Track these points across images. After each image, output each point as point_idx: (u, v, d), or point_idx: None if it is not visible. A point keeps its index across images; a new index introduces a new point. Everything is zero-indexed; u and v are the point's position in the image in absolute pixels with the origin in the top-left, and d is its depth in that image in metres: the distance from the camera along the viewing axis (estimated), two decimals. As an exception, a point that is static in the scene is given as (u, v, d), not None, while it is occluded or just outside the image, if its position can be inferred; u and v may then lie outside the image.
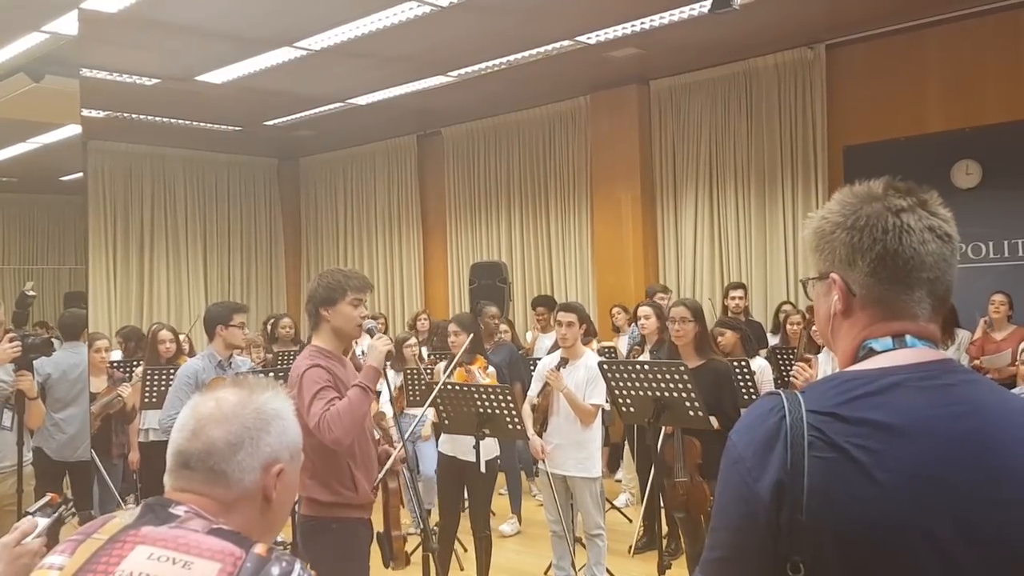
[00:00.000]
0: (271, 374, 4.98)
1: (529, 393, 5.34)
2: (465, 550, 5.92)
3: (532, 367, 6.24)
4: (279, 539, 3.15)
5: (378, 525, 3.61)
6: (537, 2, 6.83)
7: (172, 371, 5.41)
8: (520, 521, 6.89)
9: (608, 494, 6.40)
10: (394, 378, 6.62)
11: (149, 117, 10.14)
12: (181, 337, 6.94)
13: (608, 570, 5.14)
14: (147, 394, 5.83)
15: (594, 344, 6.56)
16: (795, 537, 1.14)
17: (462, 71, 8.65)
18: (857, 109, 8.21)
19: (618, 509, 7.13)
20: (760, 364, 5.97)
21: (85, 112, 8.90)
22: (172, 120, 10.37)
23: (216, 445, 1.43)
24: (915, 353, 1.23)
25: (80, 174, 7.53)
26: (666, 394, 4.20)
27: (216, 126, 10.83)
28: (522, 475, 7.35)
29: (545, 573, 5.63)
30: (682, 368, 4.20)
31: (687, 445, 4.47)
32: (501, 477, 6.20)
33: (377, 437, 3.88)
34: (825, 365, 5.25)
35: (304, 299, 3.84)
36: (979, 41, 7.50)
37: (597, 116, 9.74)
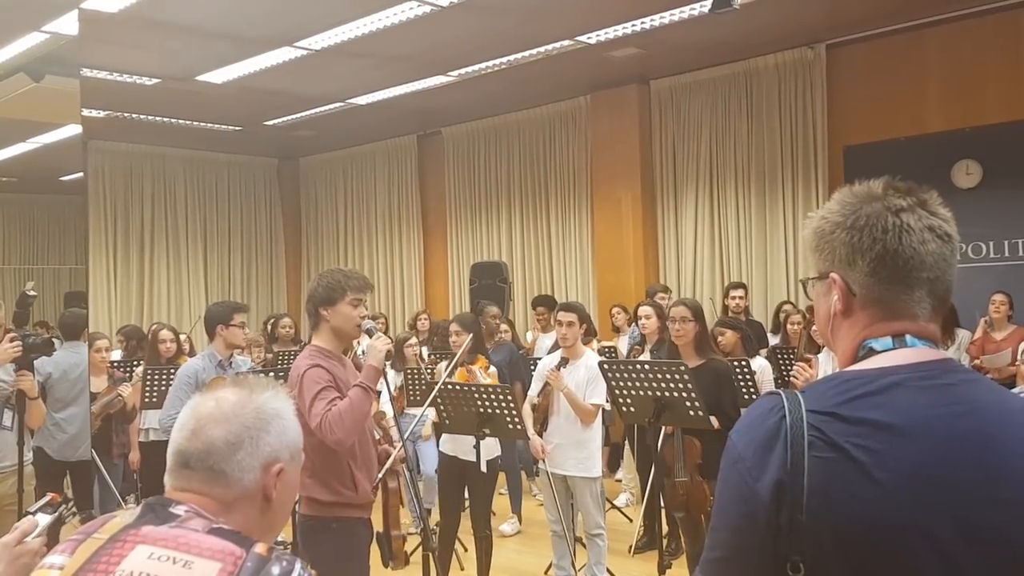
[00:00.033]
0: (271, 374, 4.98)
1: (529, 393, 5.34)
2: (465, 550, 5.92)
3: (532, 367, 6.24)
4: (279, 539, 3.15)
5: (378, 525, 3.61)
6: (537, 2, 6.82)
7: (172, 371, 5.42)
8: (520, 521, 6.88)
9: (608, 494, 6.40)
10: (394, 378, 6.62)
11: (149, 117, 10.13)
12: (181, 337, 6.94)
13: (608, 570, 5.13)
14: (147, 394, 5.83)
15: (594, 344, 6.56)
16: (795, 537, 1.14)
17: (462, 71, 8.65)
18: (857, 109, 8.20)
19: (618, 509, 7.12)
20: (760, 364, 5.97)
21: (85, 112, 8.89)
22: (172, 120, 10.37)
23: (216, 445, 1.43)
24: (915, 353, 1.23)
25: (80, 174, 7.53)
26: (666, 394, 4.20)
27: (216, 126, 10.82)
28: (522, 475, 7.35)
29: (545, 573, 5.63)
30: (682, 368, 4.20)
31: (687, 445, 4.48)
32: (501, 477, 6.20)
33: (377, 437, 3.89)
34: (825, 365, 5.24)
35: (304, 299, 3.85)
36: (979, 41, 7.49)
37: (597, 116, 9.73)
